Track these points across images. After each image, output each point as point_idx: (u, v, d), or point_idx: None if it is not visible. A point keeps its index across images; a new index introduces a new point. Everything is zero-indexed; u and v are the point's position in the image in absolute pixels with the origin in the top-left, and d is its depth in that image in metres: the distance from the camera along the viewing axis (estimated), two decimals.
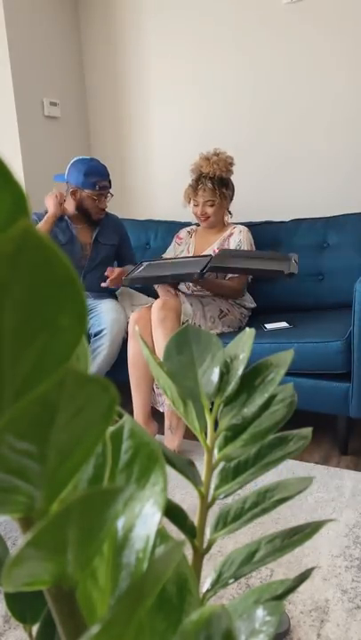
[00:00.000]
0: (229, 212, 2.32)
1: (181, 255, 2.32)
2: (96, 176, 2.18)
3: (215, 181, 2.15)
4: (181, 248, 2.36)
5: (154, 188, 2.96)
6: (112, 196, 2.29)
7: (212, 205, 2.19)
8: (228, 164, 2.19)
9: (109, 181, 2.25)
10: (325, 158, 2.49)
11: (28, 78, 2.64)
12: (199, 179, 2.18)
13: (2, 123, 2.64)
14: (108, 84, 2.98)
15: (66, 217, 2.25)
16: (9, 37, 2.52)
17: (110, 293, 2.38)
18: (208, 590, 0.39)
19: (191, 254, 2.28)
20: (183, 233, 2.41)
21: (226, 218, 2.32)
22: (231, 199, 2.27)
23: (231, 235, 2.22)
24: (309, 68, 2.46)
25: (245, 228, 2.24)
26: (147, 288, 2.32)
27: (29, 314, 0.20)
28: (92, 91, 3.03)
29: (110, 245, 2.37)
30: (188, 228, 2.42)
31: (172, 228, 2.63)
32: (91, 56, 3.00)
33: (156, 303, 1.93)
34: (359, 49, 2.34)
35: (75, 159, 2.24)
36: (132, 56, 2.89)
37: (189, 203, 2.26)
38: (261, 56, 2.55)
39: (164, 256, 2.40)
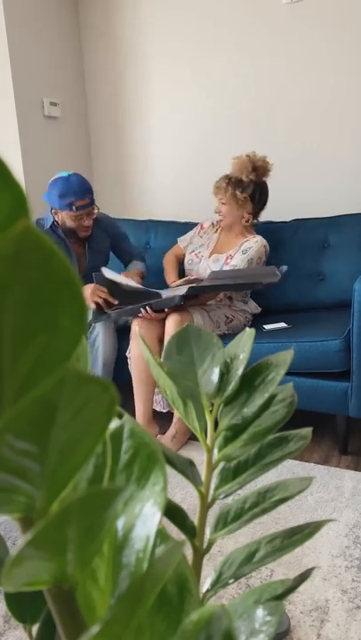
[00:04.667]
0: (255, 219, 2.26)
1: (199, 249, 2.32)
2: (71, 197, 2.05)
3: (231, 182, 2.16)
4: (202, 242, 2.33)
5: (154, 188, 2.96)
6: (98, 209, 2.17)
7: (224, 204, 2.19)
8: (264, 166, 2.18)
9: (90, 198, 2.10)
10: (327, 158, 2.49)
11: (28, 78, 2.65)
12: (219, 179, 2.20)
13: (2, 123, 2.64)
14: (108, 84, 2.98)
15: (60, 230, 2.17)
16: (9, 37, 2.52)
17: None
18: (208, 590, 0.39)
19: (209, 251, 2.27)
20: (207, 223, 2.37)
21: (248, 222, 2.24)
22: (255, 204, 2.20)
23: (248, 241, 2.18)
24: (310, 68, 2.46)
25: (263, 242, 2.17)
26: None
27: (29, 314, 0.20)
28: (92, 91, 3.03)
29: (103, 249, 2.32)
30: (214, 220, 2.35)
31: (172, 228, 2.63)
32: (91, 56, 3.00)
33: (172, 318, 1.93)
34: (360, 49, 2.34)
35: (54, 178, 2.12)
36: (133, 56, 2.89)
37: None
38: (261, 56, 2.55)
39: (179, 241, 2.40)
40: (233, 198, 2.16)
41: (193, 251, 2.32)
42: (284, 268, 1.99)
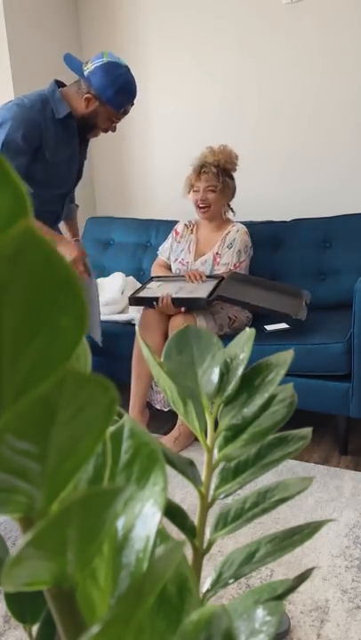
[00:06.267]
0: (231, 209, 2.28)
1: (182, 255, 2.28)
2: (129, 97, 1.68)
3: (219, 169, 2.13)
4: (181, 247, 2.29)
5: (154, 187, 2.96)
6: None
7: (213, 191, 2.13)
8: (233, 156, 2.17)
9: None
10: (327, 158, 2.49)
11: (28, 78, 2.64)
12: (203, 165, 2.14)
13: None
14: None
15: (74, 123, 1.78)
16: (9, 37, 2.52)
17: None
18: (208, 590, 0.39)
19: (193, 255, 2.24)
20: (180, 227, 2.33)
21: (227, 214, 2.28)
22: (233, 195, 2.23)
23: (229, 233, 2.18)
24: (310, 68, 2.46)
25: (244, 229, 2.20)
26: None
27: (29, 314, 0.20)
28: None
29: (84, 159, 1.98)
30: (186, 222, 2.33)
31: (172, 226, 2.63)
32: (91, 55, 2.99)
33: (176, 318, 1.92)
34: (360, 48, 2.34)
35: (108, 59, 1.67)
36: (133, 56, 2.88)
37: (189, 192, 2.19)
38: (262, 56, 2.55)
39: (160, 253, 2.36)
40: (226, 186, 2.15)
41: (177, 259, 2.28)
42: (307, 294, 1.96)
